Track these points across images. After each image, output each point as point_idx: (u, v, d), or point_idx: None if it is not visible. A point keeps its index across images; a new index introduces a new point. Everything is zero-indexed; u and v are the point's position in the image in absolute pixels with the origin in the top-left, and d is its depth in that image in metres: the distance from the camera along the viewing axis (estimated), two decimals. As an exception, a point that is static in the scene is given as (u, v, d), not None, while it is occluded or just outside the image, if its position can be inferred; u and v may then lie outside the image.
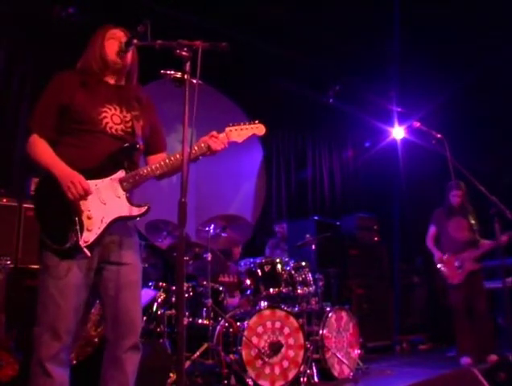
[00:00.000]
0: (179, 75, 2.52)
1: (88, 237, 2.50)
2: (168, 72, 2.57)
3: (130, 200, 2.65)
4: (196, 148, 2.71)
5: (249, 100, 8.30)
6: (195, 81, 2.41)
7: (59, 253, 2.49)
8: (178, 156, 2.70)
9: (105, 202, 2.58)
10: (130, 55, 2.79)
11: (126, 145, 2.69)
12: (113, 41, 2.75)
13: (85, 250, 2.48)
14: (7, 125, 5.91)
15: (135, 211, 2.65)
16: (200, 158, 2.78)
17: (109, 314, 2.65)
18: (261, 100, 8.26)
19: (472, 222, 6.13)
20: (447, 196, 6.30)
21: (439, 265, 6.15)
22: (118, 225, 2.63)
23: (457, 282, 5.95)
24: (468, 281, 5.91)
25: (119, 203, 2.62)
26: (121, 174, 2.64)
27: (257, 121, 3.00)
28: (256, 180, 8.91)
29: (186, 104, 2.36)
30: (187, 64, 2.42)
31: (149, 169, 2.68)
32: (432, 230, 6.42)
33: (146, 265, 5.43)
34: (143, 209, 2.66)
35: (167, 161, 2.70)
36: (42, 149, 2.61)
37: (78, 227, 2.50)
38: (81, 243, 2.48)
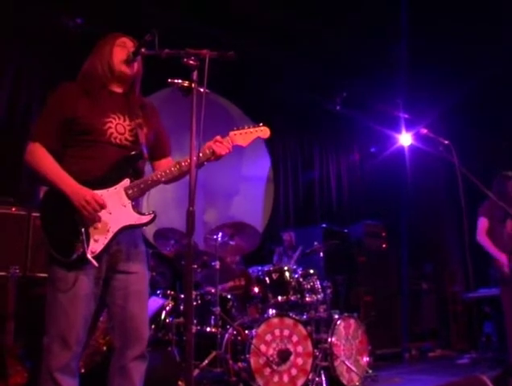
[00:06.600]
0: (186, 83, 2.53)
1: (95, 248, 2.50)
2: (176, 81, 2.58)
3: (135, 208, 2.65)
4: (200, 154, 2.71)
5: (256, 107, 8.31)
6: (202, 90, 2.42)
7: (66, 265, 2.49)
8: (183, 164, 2.70)
9: (110, 211, 2.58)
10: (136, 65, 2.80)
11: (131, 154, 2.70)
12: (122, 49, 2.76)
13: (93, 261, 2.48)
14: (16, 133, 5.95)
15: (141, 219, 2.65)
16: (205, 163, 2.79)
17: (116, 323, 2.64)
18: (267, 107, 8.27)
19: None
20: (502, 187, 5.69)
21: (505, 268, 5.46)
22: (125, 234, 2.63)
23: None
24: None
25: (125, 211, 2.61)
26: (126, 182, 2.64)
27: (261, 124, 2.99)
28: (264, 188, 8.91)
29: (193, 112, 2.37)
30: (195, 73, 2.44)
31: (154, 177, 2.69)
32: (484, 223, 5.80)
33: (155, 274, 5.44)
34: (149, 217, 2.66)
35: (173, 169, 2.70)
36: (46, 160, 2.60)
37: (85, 238, 2.49)
38: (88, 253, 2.47)
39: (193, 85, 2.43)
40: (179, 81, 2.58)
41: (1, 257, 4.50)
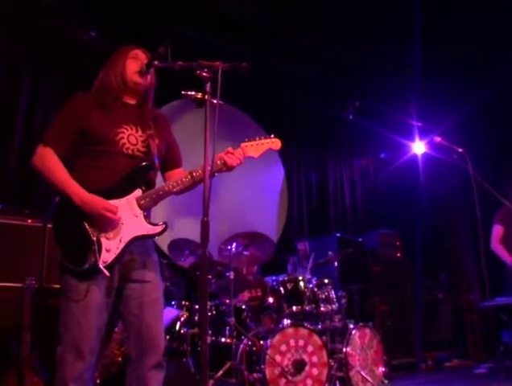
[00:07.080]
0: (199, 95, 2.55)
1: (106, 257, 2.51)
2: (189, 93, 2.61)
3: (147, 219, 2.67)
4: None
5: (269, 116, 8.32)
6: (215, 101, 2.44)
7: (78, 274, 2.50)
8: (195, 174, 2.72)
9: (122, 221, 2.59)
10: (149, 77, 2.83)
11: (142, 164, 2.71)
12: (135, 61, 2.80)
13: (104, 270, 2.49)
14: (33, 146, 5.99)
15: (153, 229, 2.66)
16: (216, 174, 2.79)
17: (132, 333, 2.65)
18: (280, 117, 8.28)
19: None
20: None
21: None
22: (137, 244, 2.65)
23: None
24: None
25: (137, 222, 2.63)
26: (137, 193, 2.66)
27: (272, 135, 3.00)
28: (278, 198, 8.91)
29: (207, 124, 2.39)
30: (208, 85, 2.46)
31: (166, 188, 2.70)
32: (499, 230, 5.82)
33: (169, 284, 5.45)
34: (161, 228, 2.68)
35: (185, 179, 2.72)
36: (56, 167, 2.61)
37: (96, 248, 2.50)
38: (100, 263, 2.48)
39: (206, 97, 2.45)
40: (193, 93, 2.60)
41: (17, 269, 4.54)
